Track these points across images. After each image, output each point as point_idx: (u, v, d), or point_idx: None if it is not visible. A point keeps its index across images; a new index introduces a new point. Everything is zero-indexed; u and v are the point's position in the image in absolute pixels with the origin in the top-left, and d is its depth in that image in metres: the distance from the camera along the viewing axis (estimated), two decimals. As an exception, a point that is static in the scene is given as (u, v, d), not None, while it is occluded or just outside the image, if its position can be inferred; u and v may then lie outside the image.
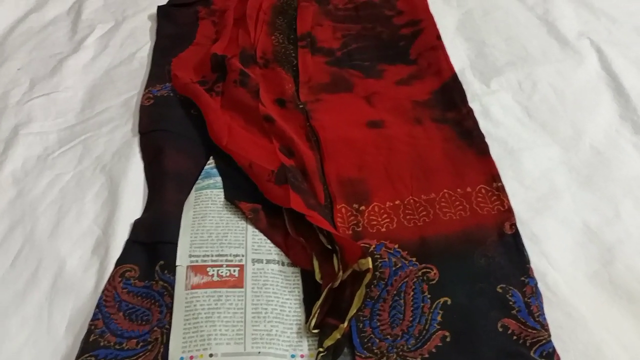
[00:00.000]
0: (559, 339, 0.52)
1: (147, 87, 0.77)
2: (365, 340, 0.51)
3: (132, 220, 0.61)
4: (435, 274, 0.55)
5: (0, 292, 0.55)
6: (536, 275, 0.56)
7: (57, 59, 0.84)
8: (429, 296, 0.54)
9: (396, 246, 0.57)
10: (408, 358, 0.50)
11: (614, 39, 0.82)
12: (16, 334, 0.52)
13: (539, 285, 0.55)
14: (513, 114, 0.72)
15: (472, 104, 0.72)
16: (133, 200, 0.63)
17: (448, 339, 0.51)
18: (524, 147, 0.68)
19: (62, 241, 0.59)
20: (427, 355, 0.50)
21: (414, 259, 0.56)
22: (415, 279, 0.55)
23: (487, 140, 0.68)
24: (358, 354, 0.50)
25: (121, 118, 0.73)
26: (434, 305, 0.53)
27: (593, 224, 0.61)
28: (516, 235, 0.58)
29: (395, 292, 0.54)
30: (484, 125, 0.70)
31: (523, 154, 0.67)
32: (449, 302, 0.53)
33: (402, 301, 0.53)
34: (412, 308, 0.53)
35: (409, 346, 0.50)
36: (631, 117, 0.70)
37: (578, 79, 0.76)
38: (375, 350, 0.50)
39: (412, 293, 0.54)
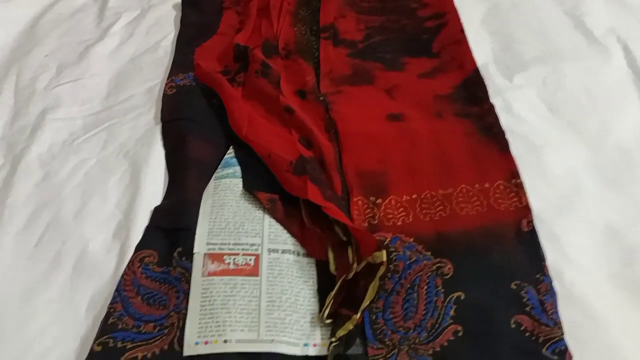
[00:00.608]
0: (576, 339, 0.51)
1: (170, 76, 0.77)
2: (378, 331, 0.51)
3: (153, 206, 0.62)
4: (449, 268, 0.55)
5: (26, 271, 0.57)
6: (555, 274, 0.55)
7: (84, 45, 0.86)
8: (442, 290, 0.54)
9: (411, 240, 0.57)
10: (420, 351, 0.50)
11: (643, 35, 0.80)
12: (42, 313, 0.54)
13: (556, 283, 0.55)
14: (537, 110, 0.71)
15: (495, 99, 0.71)
16: (154, 186, 0.64)
17: (460, 334, 0.51)
18: (547, 145, 0.67)
19: (86, 224, 0.61)
20: (438, 349, 0.50)
21: (428, 253, 0.56)
22: (429, 273, 0.55)
23: (509, 136, 0.67)
24: (370, 345, 0.51)
25: (145, 105, 0.75)
26: (447, 300, 0.53)
27: (616, 224, 0.60)
28: (533, 233, 0.58)
29: (409, 285, 0.54)
30: (506, 121, 0.69)
31: (546, 152, 0.66)
32: (463, 297, 0.53)
33: (415, 294, 0.53)
34: (425, 301, 0.53)
35: (421, 339, 0.51)
36: (659, 116, 0.69)
37: (605, 76, 0.75)
38: (387, 342, 0.51)
39: (425, 287, 0.54)
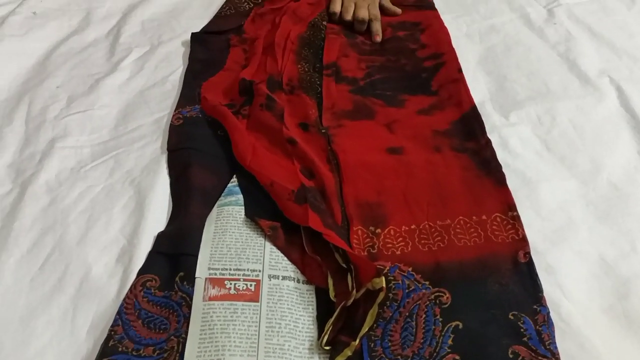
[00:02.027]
0: (571, 370, 0.52)
1: (177, 107, 0.80)
2: (376, 359, 0.52)
3: (157, 232, 0.63)
4: (447, 298, 0.56)
5: (29, 293, 0.58)
6: (550, 305, 0.56)
7: (94, 78, 0.89)
8: (440, 319, 0.54)
9: (410, 269, 0.58)
10: None
11: (634, 77, 0.83)
12: (42, 334, 0.54)
13: (553, 315, 0.56)
14: (532, 146, 0.73)
15: (491, 135, 0.74)
16: (158, 212, 0.66)
17: None
18: (541, 179, 0.69)
19: (90, 248, 0.62)
20: None
21: (427, 283, 0.57)
22: (427, 302, 0.56)
23: (505, 171, 0.69)
24: None
25: (152, 135, 0.77)
26: (445, 329, 0.54)
27: (609, 257, 0.61)
28: (530, 264, 0.59)
29: (407, 314, 0.55)
30: (502, 157, 0.71)
31: (540, 186, 0.68)
32: (461, 326, 0.54)
33: (413, 323, 0.54)
34: (423, 330, 0.53)
35: None
36: (651, 155, 0.71)
37: (597, 115, 0.78)
38: None
39: (424, 315, 0.55)
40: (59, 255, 0.61)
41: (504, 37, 0.93)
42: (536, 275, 0.58)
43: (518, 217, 0.63)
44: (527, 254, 0.60)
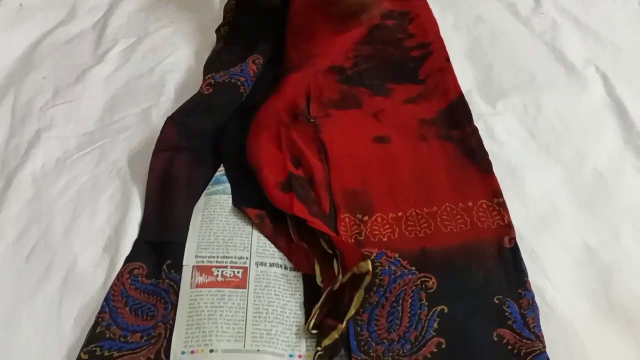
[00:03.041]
0: (554, 354, 0.53)
1: (209, 72, 0.79)
2: (362, 343, 0.52)
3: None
4: (433, 283, 0.57)
5: (15, 285, 0.58)
6: (535, 290, 0.57)
7: (80, 69, 0.88)
8: (426, 304, 0.55)
9: (396, 255, 0.59)
10: None
11: (619, 67, 0.83)
12: (27, 325, 0.54)
13: (537, 300, 0.56)
14: (517, 135, 0.74)
15: (477, 123, 0.74)
16: (144, 202, 0.65)
17: (443, 346, 0.52)
18: (527, 168, 0.69)
19: (76, 239, 0.62)
20: None
21: (413, 268, 0.58)
22: (413, 287, 0.56)
23: (491, 159, 0.69)
24: (354, 356, 0.51)
25: (137, 126, 0.76)
26: (430, 313, 0.54)
27: (593, 244, 0.62)
28: (515, 250, 0.59)
29: (393, 299, 0.55)
30: (488, 145, 0.71)
31: (526, 175, 0.69)
32: (446, 310, 0.55)
33: (399, 307, 0.55)
34: (409, 314, 0.54)
35: (405, 351, 0.52)
36: (635, 142, 0.72)
37: (583, 104, 0.78)
38: (372, 354, 0.52)
39: (410, 300, 0.55)
40: (44, 247, 0.61)
41: (491, 26, 0.93)
42: (521, 260, 0.59)
43: (504, 203, 0.64)
44: (512, 239, 0.60)
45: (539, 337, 0.53)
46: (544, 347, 0.52)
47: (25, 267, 0.60)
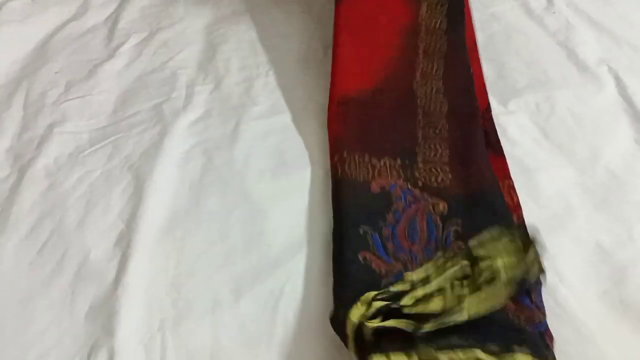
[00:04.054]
0: (567, 355, 0.52)
1: None
2: (391, 251, 0.57)
3: (155, 216, 0.63)
4: (444, 207, 0.62)
5: (28, 277, 0.58)
6: (546, 290, 0.57)
7: (92, 64, 0.88)
8: (440, 224, 0.60)
9: (408, 185, 0.64)
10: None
11: (634, 67, 0.83)
12: (41, 316, 0.55)
13: (549, 299, 0.56)
14: (530, 134, 0.73)
15: (490, 122, 0.74)
16: (156, 197, 0.66)
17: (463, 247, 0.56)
18: (539, 167, 0.69)
19: (88, 233, 0.62)
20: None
21: (425, 194, 0.63)
22: (426, 210, 0.61)
23: (503, 158, 0.69)
24: (386, 262, 0.56)
25: (150, 121, 0.77)
26: (445, 230, 0.60)
27: (606, 244, 0.61)
28: (522, 226, 0.61)
29: (410, 218, 0.60)
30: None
31: (538, 174, 0.68)
32: (460, 229, 0.59)
33: (417, 225, 0.60)
34: (427, 229, 0.60)
35: (429, 253, 0.57)
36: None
37: (596, 103, 0.77)
38: (401, 257, 0.57)
39: (425, 219, 0.60)
40: (57, 239, 0.62)
41: (505, 25, 0.93)
42: (528, 235, 0.58)
43: (513, 186, 0.65)
44: (520, 217, 0.62)
45: (541, 309, 0.55)
46: (545, 317, 0.54)
47: (38, 259, 0.60)
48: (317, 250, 0.61)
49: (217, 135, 0.75)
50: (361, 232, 0.58)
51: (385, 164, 0.65)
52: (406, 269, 0.55)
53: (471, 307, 0.48)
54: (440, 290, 0.51)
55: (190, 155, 0.72)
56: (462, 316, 0.48)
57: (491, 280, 0.50)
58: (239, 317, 0.56)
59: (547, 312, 0.55)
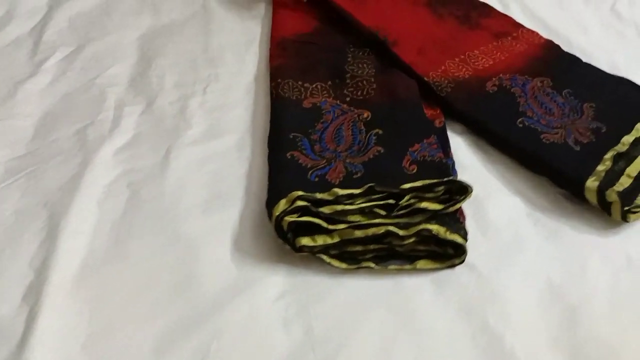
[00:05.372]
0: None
1: None
2: (318, 151, 0.66)
3: (68, 265, 0.57)
4: (368, 115, 0.71)
5: None
6: (493, 337, 0.53)
7: (14, 82, 0.81)
8: (364, 129, 0.69)
9: (337, 102, 0.74)
10: (353, 161, 0.65)
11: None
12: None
13: (498, 347, 0.52)
14: (479, 158, 0.69)
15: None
16: (72, 241, 0.59)
17: (382, 151, 0.66)
18: (488, 195, 0.65)
19: (-8, 284, 0.56)
20: (367, 159, 0.65)
21: (352, 107, 0.73)
22: (351, 119, 0.71)
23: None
24: (310, 158, 0.65)
25: (70, 150, 0.70)
26: (368, 135, 0.68)
27: (557, 280, 0.58)
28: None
29: (337, 126, 0.70)
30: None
31: (487, 202, 0.64)
32: (381, 132, 0.68)
33: (343, 132, 0.69)
34: (351, 136, 0.69)
35: (352, 154, 0.66)
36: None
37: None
38: (326, 156, 0.66)
39: (350, 127, 0.70)
40: (-43, 292, 0.55)
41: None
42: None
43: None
44: (440, 122, 0.73)
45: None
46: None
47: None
48: (251, 297, 0.56)
49: (145, 165, 0.69)
50: (291, 136, 0.68)
51: (317, 86, 0.76)
52: (330, 165, 0.64)
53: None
54: (360, 210, 0.59)
55: (113, 189, 0.66)
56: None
57: (411, 213, 0.59)
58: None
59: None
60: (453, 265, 0.58)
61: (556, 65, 0.79)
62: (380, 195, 0.60)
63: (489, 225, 0.62)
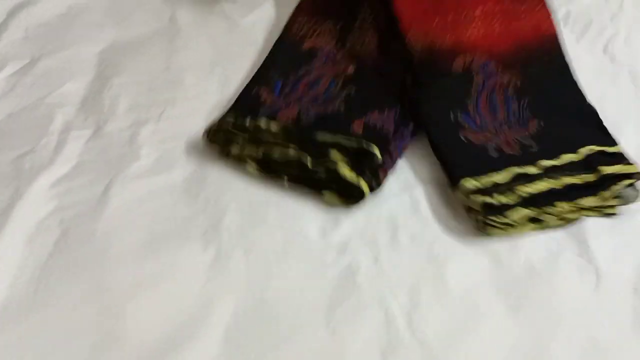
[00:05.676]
0: None
1: None
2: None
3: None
4: (351, 69, 0.72)
5: None
6: None
7: (-46, 102, 0.76)
8: (340, 82, 0.70)
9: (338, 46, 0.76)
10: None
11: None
12: None
13: None
14: (442, 213, 0.64)
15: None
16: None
17: (342, 110, 0.66)
18: (449, 256, 0.59)
19: None
20: (322, 111, 0.66)
21: (345, 58, 0.73)
22: (337, 71, 0.72)
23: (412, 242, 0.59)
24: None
25: (3, 181, 0.65)
26: (347, 88, 0.69)
27: (518, 356, 0.52)
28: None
29: (317, 77, 0.71)
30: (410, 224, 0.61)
31: (446, 265, 0.59)
32: (352, 92, 0.69)
33: (320, 83, 0.70)
34: (328, 85, 0.70)
35: (317, 102, 0.67)
36: (576, 234, 0.61)
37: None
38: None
39: (330, 79, 0.71)
40: None
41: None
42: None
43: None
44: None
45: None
46: None
47: None
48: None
49: (80, 200, 0.63)
50: (270, 74, 0.71)
51: (326, 28, 0.77)
52: (286, 107, 0.67)
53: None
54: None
55: (44, 227, 0.61)
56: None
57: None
58: None
59: None
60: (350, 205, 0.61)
61: (538, 67, 0.72)
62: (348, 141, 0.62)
63: (447, 293, 0.57)
